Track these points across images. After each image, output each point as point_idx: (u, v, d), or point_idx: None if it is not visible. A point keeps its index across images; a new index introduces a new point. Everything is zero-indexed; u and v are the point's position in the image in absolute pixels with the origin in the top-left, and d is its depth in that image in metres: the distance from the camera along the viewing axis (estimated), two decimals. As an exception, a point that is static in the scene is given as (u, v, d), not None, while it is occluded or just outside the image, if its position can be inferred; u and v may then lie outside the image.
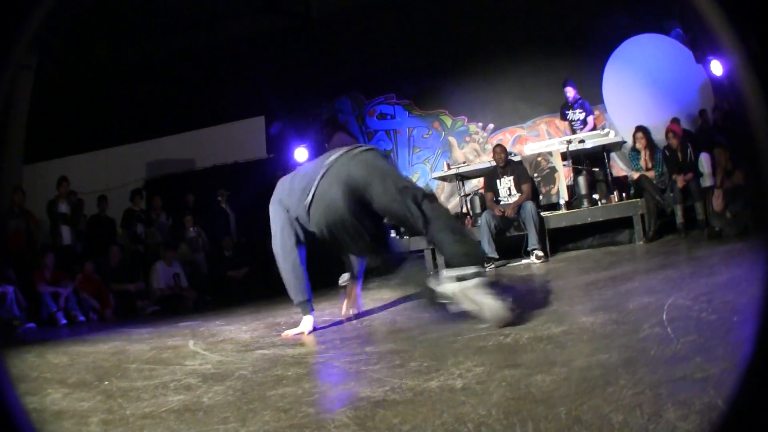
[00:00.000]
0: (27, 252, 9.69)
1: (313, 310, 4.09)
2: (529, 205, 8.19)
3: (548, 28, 11.83)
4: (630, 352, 2.18)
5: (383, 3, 12.61)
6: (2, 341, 7.08)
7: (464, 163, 10.93)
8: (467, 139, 12.79)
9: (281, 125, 12.86)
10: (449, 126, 12.96)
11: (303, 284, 4.01)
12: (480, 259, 3.43)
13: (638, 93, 11.00)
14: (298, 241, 3.94)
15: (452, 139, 12.87)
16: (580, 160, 9.22)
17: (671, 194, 8.11)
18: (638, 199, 8.45)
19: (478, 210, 9.40)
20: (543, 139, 11.26)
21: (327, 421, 1.83)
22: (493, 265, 7.86)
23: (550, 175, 11.77)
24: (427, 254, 8.72)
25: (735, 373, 1.54)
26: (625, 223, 8.59)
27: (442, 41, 12.49)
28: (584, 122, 10.34)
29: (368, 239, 3.70)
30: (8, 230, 9.72)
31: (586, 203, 8.79)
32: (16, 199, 9.90)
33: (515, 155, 9.79)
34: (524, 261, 8.06)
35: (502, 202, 8.62)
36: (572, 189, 9.27)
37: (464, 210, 9.97)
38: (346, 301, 4.50)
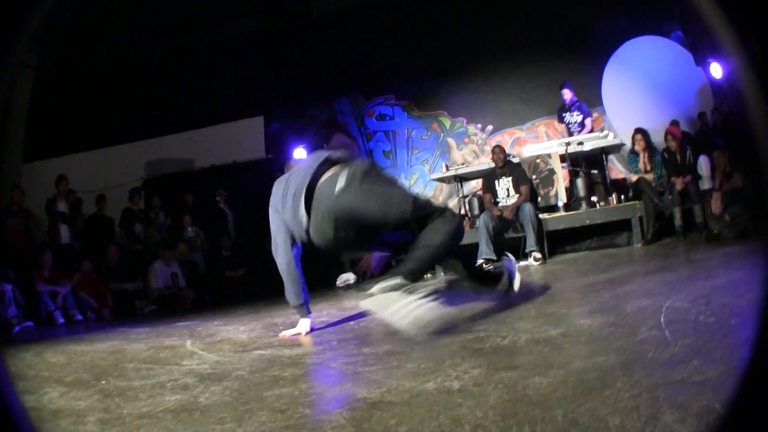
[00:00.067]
0: (26, 250, 9.69)
1: (310, 312, 4.09)
2: (528, 207, 8.20)
3: (548, 29, 11.82)
4: (627, 354, 2.18)
5: (383, 4, 12.61)
6: (1, 339, 7.09)
7: (463, 164, 10.94)
8: (466, 140, 12.79)
9: (280, 125, 12.87)
10: (448, 127, 12.96)
11: (299, 287, 4.00)
12: (413, 275, 3.30)
13: (638, 95, 11.02)
14: (293, 244, 3.93)
15: (451, 141, 12.87)
16: (578, 162, 9.22)
17: (670, 197, 8.12)
18: (637, 202, 8.46)
19: (476, 211, 9.40)
20: (542, 141, 11.27)
21: (323, 422, 1.82)
22: (491, 267, 7.86)
23: (549, 177, 11.76)
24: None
25: (733, 376, 1.54)
26: (624, 225, 8.61)
27: (441, 42, 12.49)
28: (582, 125, 10.33)
29: (372, 242, 3.73)
30: (7, 229, 9.73)
31: (584, 205, 8.80)
32: (15, 197, 9.91)
33: (514, 157, 9.80)
34: (522, 263, 8.05)
35: (500, 204, 8.63)
36: (571, 191, 9.27)
37: (463, 211, 9.97)
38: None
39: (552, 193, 11.44)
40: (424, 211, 3.46)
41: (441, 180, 10.75)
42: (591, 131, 10.08)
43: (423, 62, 12.78)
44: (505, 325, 3.14)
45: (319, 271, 8.31)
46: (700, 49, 10.05)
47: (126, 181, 13.16)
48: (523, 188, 8.57)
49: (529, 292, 4.67)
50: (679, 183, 8.05)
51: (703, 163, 8.57)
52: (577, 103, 10.42)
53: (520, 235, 8.29)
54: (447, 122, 12.97)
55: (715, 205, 7.38)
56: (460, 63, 12.58)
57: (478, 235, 8.13)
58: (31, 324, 8.19)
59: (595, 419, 1.51)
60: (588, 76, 11.43)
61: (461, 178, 10.29)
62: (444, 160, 12.35)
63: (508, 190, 8.67)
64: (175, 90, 13.61)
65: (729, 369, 1.69)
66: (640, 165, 8.78)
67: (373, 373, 2.42)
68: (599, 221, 8.59)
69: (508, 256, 4.21)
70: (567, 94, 10.45)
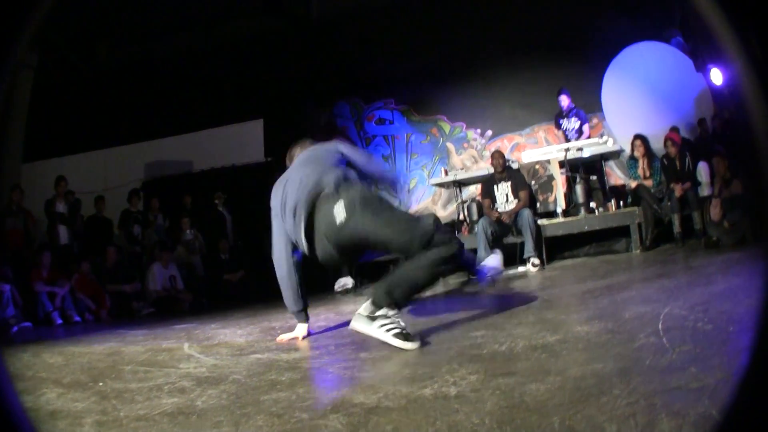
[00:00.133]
0: (24, 250, 9.68)
1: (308, 318, 4.09)
2: (526, 213, 8.19)
3: (548, 35, 11.84)
4: (625, 361, 2.18)
5: (384, 8, 12.61)
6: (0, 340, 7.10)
7: (462, 169, 10.94)
8: (465, 145, 12.79)
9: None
10: (447, 132, 12.97)
11: (297, 294, 3.99)
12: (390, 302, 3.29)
13: (637, 101, 11.01)
14: (294, 249, 3.92)
15: (450, 146, 12.87)
16: (577, 168, 9.21)
17: (669, 203, 8.12)
18: (635, 208, 8.45)
19: (475, 217, 9.38)
20: (541, 147, 11.26)
21: (320, 426, 1.82)
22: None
23: (548, 183, 11.76)
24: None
25: (730, 383, 1.54)
26: (622, 231, 8.60)
27: (441, 47, 12.50)
28: (579, 131, 10.30)
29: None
30: (6, 228, 9.73)
31: (583, 211, 8.79)
32: (14, 197, 9.91)
33: (513, 162, 9.80)
34: (520, 269, 8.06)
35: (499, 209, 8.63)
36: (569, 197, 9.27)
37: (461, 217, 9.96)
38: None
39: (551, 198, 11.44)
40: (428, 240, 3.27)
41: (440, 185, 10.74)
42: (589, 138, 10.07)
43: (423, 67, 12.79)
44: (503, 331, 3.14)
45: (317, 276, 8.31)
46: (701, 54, 10.06)
47: (125, 182, 13.16)
48: (522, 194, 8.57)
49: (527, 298, 4.67)
50: (678, 189, 8.05)
51: (703, 170, 8.57)
52: (575, 110, 10.40)
53: (519, 240, 8.29)
54: (446, 127, 12.98)
55: (714, 211, 7.38)
56: (460, 68, 12.59)
57: (477, 240, 8.12)
58: (29, 324, 8.18)
59: (592, 426, 1.51)
60: (588, 82, 11.43)
61: (460, 183, 10.28)
62: (443, 165, 12.36)
63: (506, 195, 8.66)
64: (175, 92, 13.61)
65: (727, 376, 1.69)
66: (639, 171, 8.78)
67: (370, 378, 2.43)
68: (598, 227, 8.58)
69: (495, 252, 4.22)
70: (564, 101, 10.42)
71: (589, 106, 11.10)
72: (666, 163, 8.49)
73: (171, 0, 12.18)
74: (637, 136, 8.91)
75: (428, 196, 12.84)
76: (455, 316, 3.96)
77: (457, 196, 10.52)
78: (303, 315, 4.06)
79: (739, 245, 6.82)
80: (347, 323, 4.46)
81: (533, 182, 11.68)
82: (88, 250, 10.42)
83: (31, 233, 10.11)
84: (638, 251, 8.17)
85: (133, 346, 4.63)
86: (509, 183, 8.68)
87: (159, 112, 13.77)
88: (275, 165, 11.94)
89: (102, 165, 14.13)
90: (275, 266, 4.01)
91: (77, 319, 8.75)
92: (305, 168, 3.80)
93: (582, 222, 8.61)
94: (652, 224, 8.21)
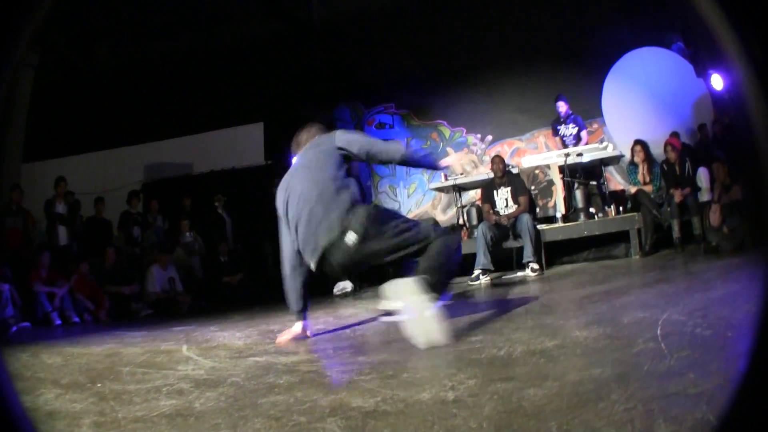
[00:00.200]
0: (24, 250, 9.69)
1: (306, 319, 4.12)
2: (526, 218, 8.19)
3: (548, 40, 11.85)
4: (623, 367, 2.18)
5: (385, 12, 12.62)
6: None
7: (462, 174, 10.94)
8: (465, 150, 12.80)
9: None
10: (447, 137, 12.99)
11: (298, 294, 4.07)
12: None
13: (638, 106, 11.03)
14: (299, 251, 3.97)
15: (450, 150, 12.87)
16: (578, 173, 9.21)
17: (668, 209, 8.12)
18: (635, 213, 8.45)
19: (474, 221, 9.39)
20: (541, 152, 11.27)
21: (318, 430, 1.82)
22: (488, 277, 7.86)
23: (547, 188, 11.76)
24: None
25: (728, 389, 1.54)
26: (622, 237, 8.60)
27: (442, 52, 12.51)
28: (577, 137, 10.30)
29: None
30: (5, 228, 9.74)
31: (582, 216, 8.79)
32: (14, 197, 9.92)
33: (513, 167, 9.80)
34: (519, 273, 8.06)
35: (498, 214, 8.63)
36: (569, 202, 9.26)
37: (461, 221, 9.96)
38: None
39: (550, 204, 11.44)
40: (428, 238, 3.59)
41: (439, 189, 10.75)
42: (586, 144, 10.07)
43: (423, 71, 12.81)
44: (501, 335, 3.14)
45: (316, 279, 8.30)
46: (702, 60, 10.08)
47: (125, 183, 13.15)
48: (522, 199, 8.57)
49: (525, 303, 4.67)
50: (677, 195, 8.05)
51: (702, 175, 8.56)
52: (572, 116, 10.39)
53: (518, 245, 8.28)
54: (446, 132, 13.00)
55: (714, 217, 7.38)
56: (461, 73, 12.61)
57: (476, 245, 8.12)
58: (28, 324, 8.19)
59: (589, 431, 1.50)
60: (588, 87, 11.45)
61: (460, 188, 10.28)
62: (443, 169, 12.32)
63: (506, 200, 8.66)
64: (176, 94, 13.60)
65: (725, 382, 1.69)
66: (639, 177, 8.77)
67: (368, 382, 2.42)
68: (597, 232, 8.58)
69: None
70: (562, 107, 10.41)
71: (590, 111, 11.12)
72: (666, 168, 8.49)
73: (172, 1, 12.18)
74: (637, 142, 8.91)
75: (428, 201, 12.85)
76: (454, 320, 3.95)
77: (456, 200, 10.52)
78: (301, 315, 4.10)
79: (738, 251, 6.82)
80: (346, 327, 4.48)
81: (533, 187, 11.68)
82: (88, 251, 10.42)
83: (30, 233, 10.12)
84: (637, 256, 8.17)
85: (132, 348, 4.63)
86: (509, 189, 8.68)
87: (159, 114, 13.77)
88: (275, 168, 11.94)
89: (102, 166, 14.13)
90: (282, 264, 4.09)
91: (76, 319, 8.76)
92: (306, 180, 3.86)
93: (581, 227, 8.61)
94: (652, 229, 8.21)
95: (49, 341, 6.25)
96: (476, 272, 7.83)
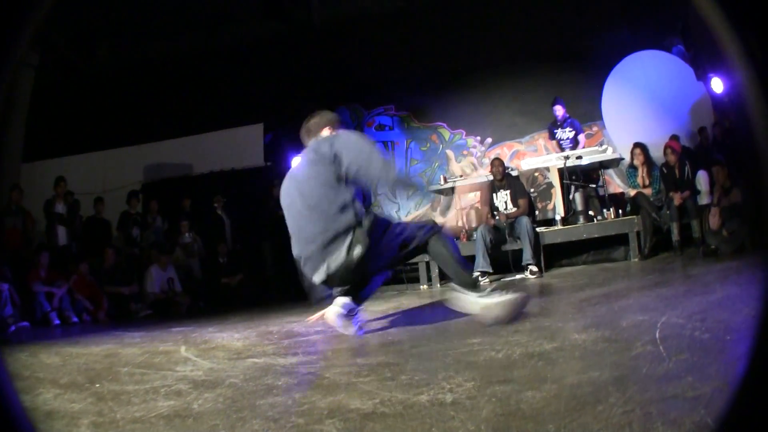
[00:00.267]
0: (23, 250, 9.68)
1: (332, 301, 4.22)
2: (525, 220, 8.19)
3: (549, 43, 11.85)
4: (621, 370, 2.17)
5: (385, 14, 12.62)
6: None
7: (461, 176, 10.93)
8: (465, 152, 12.80)
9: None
10: (447, 139, 12.98)
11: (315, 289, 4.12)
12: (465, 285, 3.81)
13: (638, 109, 11.04)
14: None
15: (450, 153, 12.88)
16: (577, 176, 9.21)
17: (668, 212, 8.12)
18: (634, 216, 8.46)
19: (473, 224, 9.39)
20: (541, 155, 11.28)
21: (316, 431, 1.82)
22: (487, 279, 7.86)
23: (547, 191, 11.76)
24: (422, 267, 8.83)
25: (727, 392, 1.54)
26: (621, 239, 8.61)
27: (442, 54, 12.51)
28: (574, 140, 10.30)
29: None
30: (5, 228, 9.73)
31: (581, 219, 8.79)
32: (13, 197, 9.91)
33: (513, 170, 9.80)
34: (518, 276, 8.06)
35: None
36: (568, 205, 9.26)
37: (460, 224, 9.94)
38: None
39: (550, 206, 11.44)
40: (424, 236, 3.81)
41: (439, 192, 10.74)
42: (584, 147, 10.07)
43: (423, 73, 12.81)
44: (500, 338, 3.14)
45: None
46: (702, 63, 10.09)
47: (124, 184, 13.12)
48: (521, 201, 8.58)
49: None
50: (677, 198, 8.05)
51: (702, 179, 8.57)
52: (569, 120, 10.41)
53: (518, 248, 8.29)
54: (446, 134, 12.99)
55: (713, 220, 7.38)
56: (461, 75, 12.61)
57: (475, 247, 8.12)
58: (27, 324, 8.19)
59: (587, 434, 1.50)
60: (588, 90, 11.46)
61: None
62: (442, 171, 12.35)
63: (506, 203, 8.67)
64: (176, 94, 13.59)
65: (723, 385, 1.69)
66: (639, 179, 8.77)
67: (367, 383, 2.42)
68: (596, 235, 8.59)
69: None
70: (559, 110, 10.44)
71: (589, 114, 11.13)
72: (665, 171, 8.50)
73: (172, 1, 12.18)
74: (637, 145, 8.91)
75: (427, 203, 12.84)
76: (452, 323, 3.96)
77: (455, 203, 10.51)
78: (321, 303, 4.26)
79: (737, 254, 6.82)
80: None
81: (532, 190, 11.68)
82: (87, 251, 10.41)
83: (29, 233, 10.11)
84: (636, 259, 8.17)
85: (131, 348, 4.63)
86: (508, 191, 8.68)
87: (159, 115, 13.74)
88: (275, 169, 11.94)
89: (101, 166, 14.09)
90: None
91: (75, 319, 8.76)
92: (307, 196, 3.85)
93: (581, 230, 8.61)
94: (651, 232, 8.22)
95: (47, 341, 6.26)
96: (475, 275, 7.83)
